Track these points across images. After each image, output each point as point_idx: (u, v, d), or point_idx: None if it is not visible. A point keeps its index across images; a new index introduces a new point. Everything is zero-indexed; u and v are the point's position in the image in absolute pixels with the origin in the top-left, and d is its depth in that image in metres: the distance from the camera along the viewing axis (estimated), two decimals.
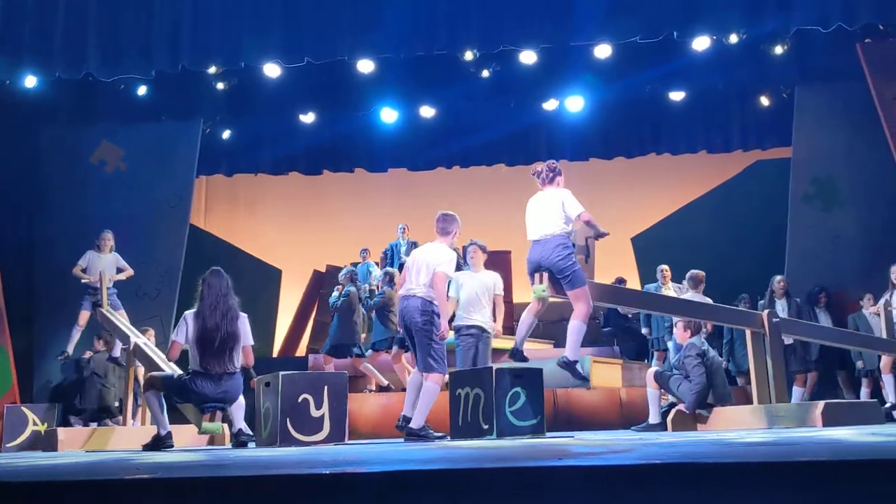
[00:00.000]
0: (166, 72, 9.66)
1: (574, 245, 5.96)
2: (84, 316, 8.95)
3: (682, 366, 7.05)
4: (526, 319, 6.11)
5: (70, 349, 8.98)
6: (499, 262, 13.07)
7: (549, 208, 5.94)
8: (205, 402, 5.54)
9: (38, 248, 10.71)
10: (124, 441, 6.69)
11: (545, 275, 5.84)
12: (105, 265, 8.90)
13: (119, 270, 9.07)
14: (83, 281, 8.95)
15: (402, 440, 6.30)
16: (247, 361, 5.74)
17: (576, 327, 5.83)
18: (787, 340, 8.92)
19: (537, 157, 13.97)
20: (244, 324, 5.69)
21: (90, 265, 8.96)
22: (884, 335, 8.03)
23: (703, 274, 8.47)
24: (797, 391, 8.95)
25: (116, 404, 9.14)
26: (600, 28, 9.22)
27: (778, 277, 9.36)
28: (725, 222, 12.75)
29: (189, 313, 5.63)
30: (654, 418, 7.03)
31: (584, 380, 6.05)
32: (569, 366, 5.80)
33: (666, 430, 6.81)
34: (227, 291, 5.61)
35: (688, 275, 8.58)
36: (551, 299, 6.09)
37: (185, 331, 5.55)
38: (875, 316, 8.66)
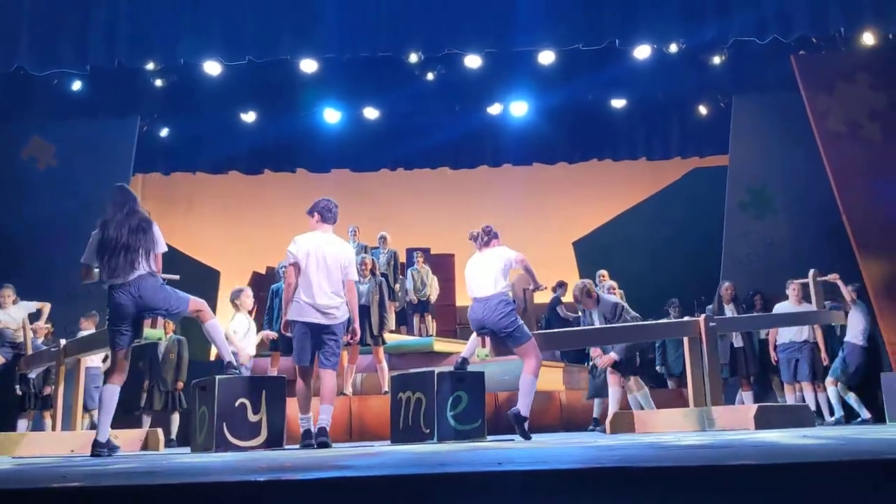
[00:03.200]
0: (102, 67, 9.41)
1: (514, 301, 6.04)
2: None
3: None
4: (476, 338, 6.14)
5: None
6: (442, 264, 13.12)
7: (489, 268, 6.01)
8: (129, 311, 5.28)
9: None
10: (54, 446, 6.47)
11: (487, 339, 5.95)
12: (11, 319, 8.49)
13: (36, 313, 8.69)
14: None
15: (350, 445, 6.24)
16: (156, 267, 5.44)
17: (528, 382, 5.88)
18: (737, 343, 9.10)
19: (482, 160, 14.07)
20: (154, 231, 5.41)
21: None
22: (815, 306, 8.19)
23: None
24: (747, 396, 9.06)
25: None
26: (543, 34, 9.30)
27: (725, 284, 9.53)
28: (664, 228, 12.99)
29: (94, 232, 5.43)
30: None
31: (528, 439, 5.80)
32: (518, 421, 5.77)
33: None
34: (133, 206, 5.41)
35: None
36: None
37: (93, 249, 5.35)
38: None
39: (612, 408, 7.21)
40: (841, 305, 8.50)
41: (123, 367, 5.39)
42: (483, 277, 6.00)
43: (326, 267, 5.64)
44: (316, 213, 5.89)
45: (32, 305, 8.73)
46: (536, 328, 11.30)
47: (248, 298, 8.26)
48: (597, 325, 7.11)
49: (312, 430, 5.58)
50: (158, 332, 5.44)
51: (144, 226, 5.36)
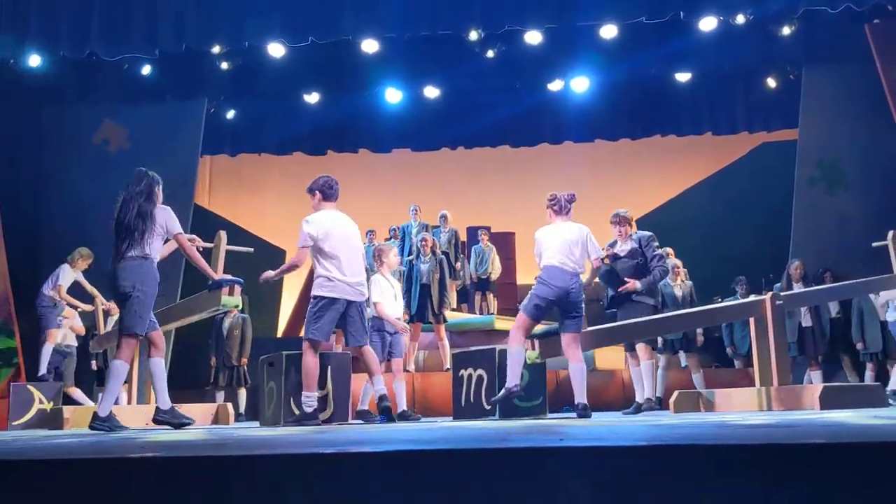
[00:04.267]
0: (170, 51, 9.64)
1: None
2: (53, 334, 8.77)
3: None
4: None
5: (44, 368, 8.78)
6: (503, 243, 13.11)
7: (578, 244, 5.78)
8: (116, 288, 5.21)
9: (44, 230, 10.71)
10: (130, 420, 6.72)
11: (537, 342, 5.90)
12: (67, 283, 8.66)
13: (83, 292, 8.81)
14: (63, 302, 8.74)
15: (418, 419, 6.32)
16: (183, 248, 5.35)
17: (579, 371, 5.72)
18: (806, 322, 8.88)
19: (542, 138, 13.96)
20: (162, 215, 5.26)
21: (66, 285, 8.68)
22: (895, 270, 7.83)
23: None
24: (815, 375, 8.83)
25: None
26: (606, 8, 9.16)
27: (795, 263, 9.29)
28: (730, 204, 12.72)
29: None
30: (640, 396, 6.98)
31: (588, 416, 5.67)
32: (585, 410, 5.61)
33: (651, 409, 6.86)
34: (134, 190, 5.26)
35: None
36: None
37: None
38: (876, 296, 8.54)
39: (660, 385, 7.10)
40: None
41: (154, 343, 5.37)
42: (572, 251, 5.74)
43: (350, 244, 5.67)
44: (318, 192, 5.82)
45: (84, 280, 8.89)
46: (598, 306, 11.23)
47: (395, 257, 7.29)
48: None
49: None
50: (235, 300, 5.54)
51: (144, 209, 5.17)
